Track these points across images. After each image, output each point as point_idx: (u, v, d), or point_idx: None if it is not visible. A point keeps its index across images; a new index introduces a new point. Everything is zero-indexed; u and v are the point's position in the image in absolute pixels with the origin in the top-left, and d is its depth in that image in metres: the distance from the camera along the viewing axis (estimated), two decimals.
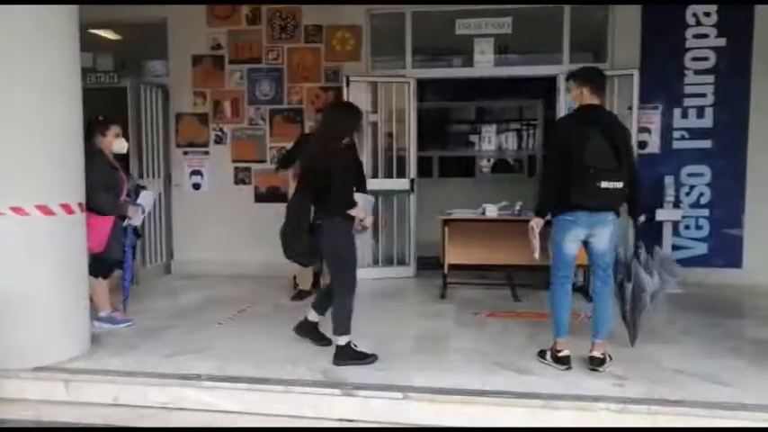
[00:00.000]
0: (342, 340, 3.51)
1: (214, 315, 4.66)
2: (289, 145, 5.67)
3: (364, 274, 4.73)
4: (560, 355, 3.46)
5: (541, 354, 3.58)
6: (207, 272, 6.16)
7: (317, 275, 5.38)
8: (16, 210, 3.37)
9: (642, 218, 3.68)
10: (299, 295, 5.31)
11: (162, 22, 6.29)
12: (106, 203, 4.13)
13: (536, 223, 3.47)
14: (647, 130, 5.80)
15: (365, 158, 5.75)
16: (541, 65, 6.18)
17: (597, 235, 3.41)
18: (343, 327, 3.52)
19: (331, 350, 3.57)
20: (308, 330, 3.84)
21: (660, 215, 5.47)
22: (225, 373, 3.37)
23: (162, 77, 6.43)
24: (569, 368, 3.40)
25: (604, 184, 3.24)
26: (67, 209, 3.54)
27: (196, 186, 6.43)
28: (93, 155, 4.13)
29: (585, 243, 3.48)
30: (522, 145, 9.76)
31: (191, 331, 4.22)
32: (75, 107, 3.66)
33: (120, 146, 4.41)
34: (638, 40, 5.76)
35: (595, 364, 3.42)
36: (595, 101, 3.45)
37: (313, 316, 3.83)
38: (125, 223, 4.31)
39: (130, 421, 3.13)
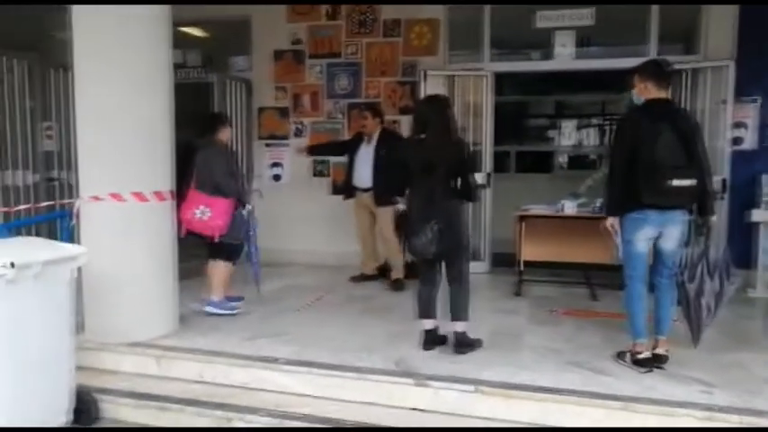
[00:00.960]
0: (465, 326, 3.59)
1: (291, 302, 4.82)
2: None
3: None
4: (640, 357, 3.35)
5: (620, 355, 3.47)
6: (284, 261, 6.35)
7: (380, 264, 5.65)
8: (114, 196, 3.63)
9: (714, 218, 3.49)
10: (361, 278, 5.60)
11: (246, 20, 6.54)
12: (232, 187, 4.36)
13: (614, 221, 3.38)
14: (743, 126, 5.45)
15: None
16: (626, 57, 5.91)
17: (667, 234, 3.30)
18: (468, 313, 3.61)
19: (403, 340, 3.64)
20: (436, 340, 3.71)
21: (756, 216, 5.12)
22: (302, 358, 3.49)
23: (245, 72, 6.69)
24: (650, 371, 3.28)
25: (675, 182, 3.12)
26: (159, 196, 3.77)
27: (276, 178, 6.65)
28: (216, 144, 4.45)
29: (654, 241, 3.36)
30: (602, 140, 9.43)
31: (270, 316, 4.39)
32: (168, 101, 3.87)
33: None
34: (735, 29, 5.41)
35: (660, 361, 3.33)
36: (662, 94, 3.32)
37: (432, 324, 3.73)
38: (245, 210, 4.47)
39: (213, 397, 3.31)
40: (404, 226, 3.65)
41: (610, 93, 8.66)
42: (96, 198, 3.62)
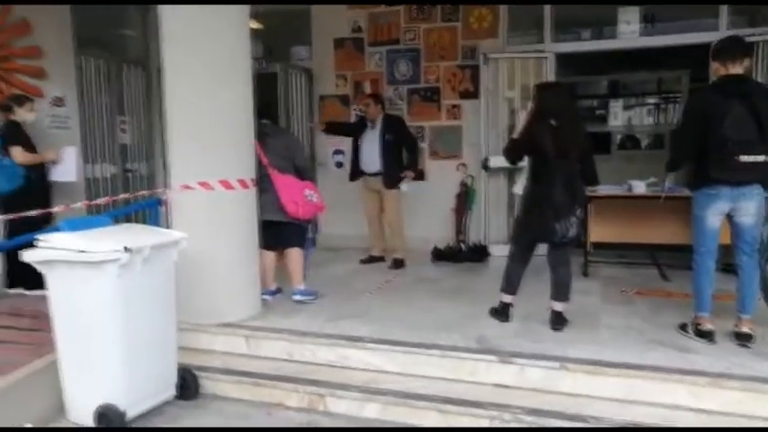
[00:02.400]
0: (564, 306, 3.74)
1: (362, 285, 4.95)
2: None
3: (504, 251, 4.77)
4: (703, 329, 3.41)
5: (683, 327, 3.56)
6: (347, 245, 6.47)
7: None
8: (203, 184, 3.81)
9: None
10: (369, 260, 5.90)
11: (305, 9, 6.66)
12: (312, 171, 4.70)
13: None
14: None
15: (503, 136, 5.79)
16: (693, 32, 5.77)
17: (742, 209, 3.28)
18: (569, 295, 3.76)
19: (477, 320, 3.80)
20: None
21: None
22: (384, 337, 3.62)
23: (306, 62, 6.82)
24: (712, 342, 3.36)
25: (744, 158, 3.12)
26: (243, 183, 3.94)
27: (338, 165, 6.78)
28: (287, 131, 4.80)
29: (729, 217, 3.35)
30: (661, 120, 9.21)
31: (345, 299, 4.51)
32: (249, 91, 4.02)
33: None
34: None
35: (744, 339, 3.34)
36: (737, 70, 3.29)
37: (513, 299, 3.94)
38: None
39: (304, 374, 3.48)
40: (534, 210, 3.74)
41: (669, 70, 8.44)
42: (187, 187, 3.81)
